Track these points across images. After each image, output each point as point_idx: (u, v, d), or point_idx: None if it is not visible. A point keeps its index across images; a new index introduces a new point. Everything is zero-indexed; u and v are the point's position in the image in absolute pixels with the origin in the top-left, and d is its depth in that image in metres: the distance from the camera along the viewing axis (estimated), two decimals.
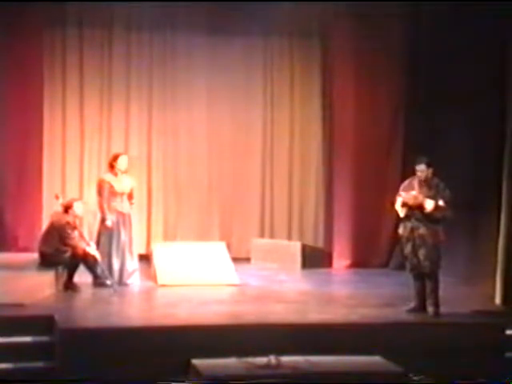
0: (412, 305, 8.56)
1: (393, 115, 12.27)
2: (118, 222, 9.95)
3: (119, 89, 12.53)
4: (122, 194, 10.01)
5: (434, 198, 8.34)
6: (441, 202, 8.31)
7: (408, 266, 8.56)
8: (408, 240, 8.47)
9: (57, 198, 10.13)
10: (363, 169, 12.11)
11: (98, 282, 9.67)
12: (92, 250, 9.63)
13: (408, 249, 8.49)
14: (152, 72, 12.63)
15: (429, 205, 8.30)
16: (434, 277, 8.42)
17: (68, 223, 9.67)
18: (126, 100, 12.56)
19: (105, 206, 9.91)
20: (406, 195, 8.44)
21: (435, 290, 8.41)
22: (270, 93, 12.96)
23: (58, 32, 12.31)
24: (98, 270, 9.66)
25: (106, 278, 9.62)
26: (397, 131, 12.28)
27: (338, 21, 12.25)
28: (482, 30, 10.16)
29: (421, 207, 8.33)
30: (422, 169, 8.48)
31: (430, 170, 8.49)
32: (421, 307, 8.49)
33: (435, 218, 8.34)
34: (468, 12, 10.28)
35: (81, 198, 11.87)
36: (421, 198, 8.36)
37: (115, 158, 10.14)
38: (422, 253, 8.37)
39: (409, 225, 8.45)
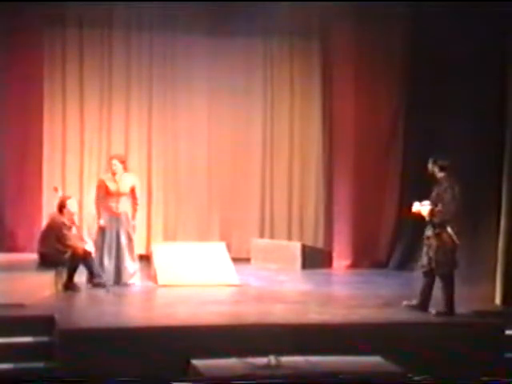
0: (414, 302, 8.58)
1: (393, 115, 12.26)
2: (111, 222, 9.98)
3: (119, 88, 12.54)
4: (117, 195, 10.02)
5: (437, 200, 8.37)
6: (439, 207, 8.33)
7: (419, 264, 8.65)
8: (426, 241, 8.56)
9: (56, 190, 10.17)
10: (363, 169, 12.11)
11: (95, 281, 9.66)
12: (89, 246, 9.70)
13: (424, 249, 8.59)
14: (152, 72, 12.63)
15: (423, 211, 8.42)
16: (446, 278, 8.43)
17: (64, 224, 9.68)
18: (126, 100, 12.57)
19: (99, 205, 9.99)
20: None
21: (446, 291, 8.41)
22: (270, 93, 12.96)
23: (58, 32, 12.31)
24: (95, 270, 9.67)
25: (100, 277, 9.64)
26: (397, 131, 12.28)
27: (338, 21, 12.26)
28: (482, 29, 10.16)
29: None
30: (429, 164, 8.56)
31: (436, 169, 8.52)
32: (422, 306, 8.50)
33: (435, 222, 8.39)
34: (468, 12, 10.27)
35: (81, 197, 11.89)
36: (417, 206, 8.47)
37: (109, 159, 10.30)
38: (431, 254, 8.44)
39: (428, 227, 8.53)
